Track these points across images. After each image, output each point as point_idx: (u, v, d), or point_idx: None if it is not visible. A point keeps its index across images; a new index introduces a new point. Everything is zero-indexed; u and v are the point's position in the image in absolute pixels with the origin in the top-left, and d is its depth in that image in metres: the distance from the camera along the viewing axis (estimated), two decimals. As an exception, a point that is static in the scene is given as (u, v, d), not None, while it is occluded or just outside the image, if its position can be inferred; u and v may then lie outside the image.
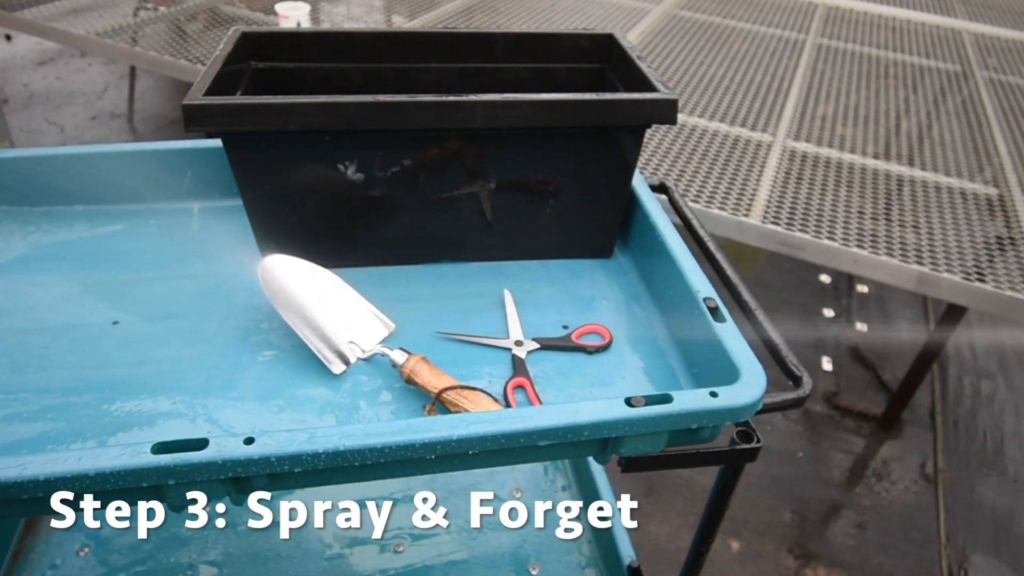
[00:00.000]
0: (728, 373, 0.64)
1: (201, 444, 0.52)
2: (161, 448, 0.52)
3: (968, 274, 1.49)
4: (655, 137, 1.91)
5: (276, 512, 1.17)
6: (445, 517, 1.18)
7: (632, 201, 0.89)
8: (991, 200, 1.80)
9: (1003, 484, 2.07)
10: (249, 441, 0.52)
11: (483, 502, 1.22)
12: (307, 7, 2.21)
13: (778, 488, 2.00)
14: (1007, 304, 1.46)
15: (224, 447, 0.52)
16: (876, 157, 1.94)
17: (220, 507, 1.15)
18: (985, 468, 2.11)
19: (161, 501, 0.55)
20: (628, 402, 0.58)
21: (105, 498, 0.54)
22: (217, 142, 0.87)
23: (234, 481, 0.55)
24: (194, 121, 0.68)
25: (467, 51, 0.93)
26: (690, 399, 0.59)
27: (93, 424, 0.64)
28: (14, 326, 0.75)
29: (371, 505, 1.19)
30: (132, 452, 0.51)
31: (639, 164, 0.86)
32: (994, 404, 2.34)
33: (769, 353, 0.74)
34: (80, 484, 0.50)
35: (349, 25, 2.52)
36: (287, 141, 0.74)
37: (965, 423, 2.26)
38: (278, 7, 2.20)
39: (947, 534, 1.90)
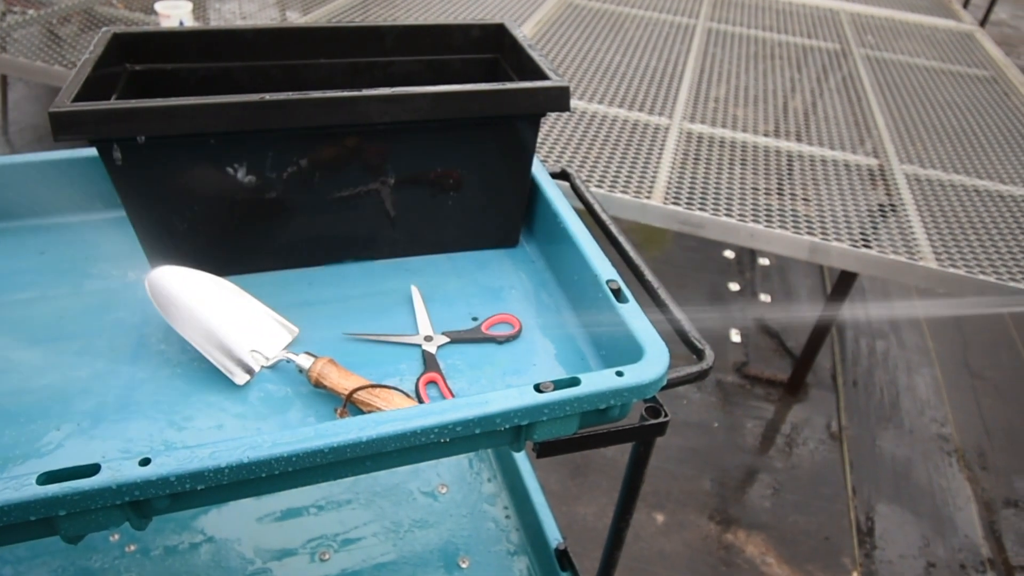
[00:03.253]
0: (633, 352, 0.65)
1: (93, 470, 0.49)
2: (48, 478, 0.49)
3: (855, 241, 1.59)
4: (557, 125, 1.93)
5: (192, 532, 1.13)
6: (371, 520, 1.18)
7: (534, 189, 0.89)
8: (872, 170, 1.92)
9: (901, 436, 2.22)
10: (145, 462, 0.50)
11: (408, 500, 1.21)
12: (189, 6, 2.11)
13: (697, 459, 2.07)
14: (892, 267, 1.56)
15: (118, 471, 0.49)
16: (767, 135, 2.04)
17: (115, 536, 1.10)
18: (884, 422, 2.26)
19: (54, 534, 0.51)
20: (537, 388, 0.59)
21: (-10, 537, 0.50)
22: (93, 150, 0.83)
23: (132, 505, 0.52)
24: (63, 129, 0.64)
25: (357, 46, 0.91)
26: (597, 380, 0.60)
27: (-27, 460, 0.59)
28: None
29: (293, 515, 1.16)
30: (16, 485, 0.48)
31: (539, 152, 0.87)
32: (888, 362, 2.51)
33: (673, 330, 0.76)
34: (-42, 525, 0.47)
35: (241, 23, 2.43)
36: (169, 146, 0.70)
37: (864, 381, 2.41)
38: (158, 6, 2.10)
39: (853, 487, 2.03)
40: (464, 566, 1.12)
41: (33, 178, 0.87)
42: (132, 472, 0.49)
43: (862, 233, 1.62)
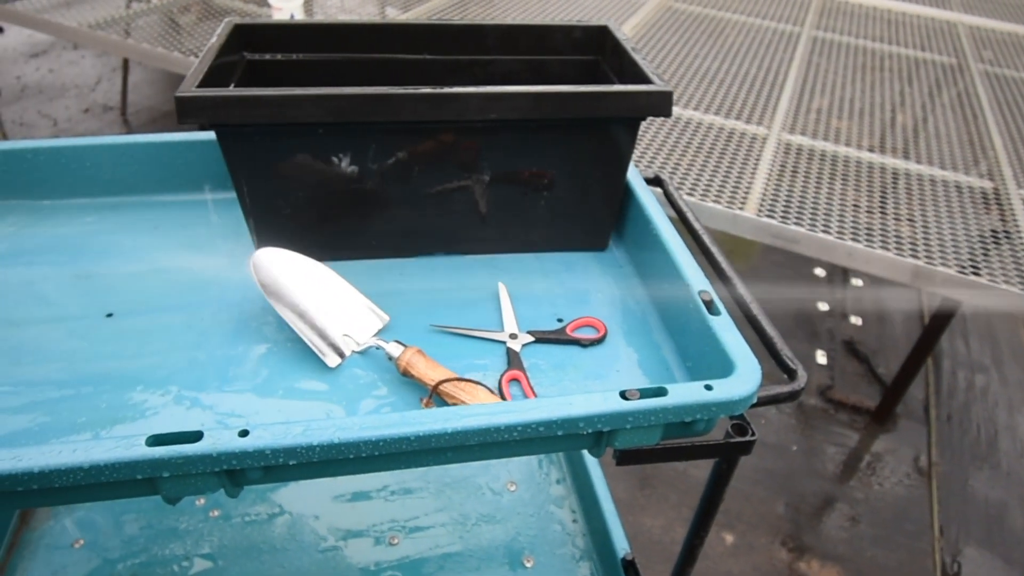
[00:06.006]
0: (723, 366, 0.64)
1: (196, 436, 0.52)
2: (156, 440, 0.52)
3: (963, 267, 1.50)
4: (650, 130, 1.90)
5: (271, 504, 1.18)
6: (440, 510, 1.19)
7: (627, 194, 0.89)
8: (986, 193, 1.80)
9: (996, 477, 2.08)
10: (244, 434, 0.52)
11: (476, 494, 1.22)
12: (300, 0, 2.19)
13: (772, 481, 2.01)
14: (1001, 297, 1.47)
15: (219, 440, 0.52)
16: (871, 150, 1.95)
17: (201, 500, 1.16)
18: (978, 461, 2.12)
19: (155, 494, 0.55)
20: (623, 395, 0.58)
21: (99, 491, 0.54)
22: (210, 134, 0.87)
23: (228, 473, 0.54)
24: (187, 113, 0.68)
25: (460, 43, 0.93)
26: (685, 392, 0.59)
27: (87, 417, 0.64)
28: (7, 318, 0.74)
29: (366, 498, 1.20)
30: (127, 445, 0.51)
31: (633, 157, 0.86)
32: (988, 398, 2.35)
33: (764, 346, 0.74)
34: (75, 476, 0.50)
35: (343, 17, 2.51)
36: (281, 133, 0.73)
37: (959, 417, 2.27)
38: (272, -1, 2.18)
39: (940, 526, 1.92)
40: (528, 565, 1.12)
41: (152, 157, 0.92)
42: (231, 442, 0.52)
43: (971, 259, 1.52)
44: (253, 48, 0.88)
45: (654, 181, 0.98)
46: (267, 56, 0.89)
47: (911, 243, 1.55)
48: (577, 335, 0.76)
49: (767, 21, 2.82)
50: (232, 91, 0.70)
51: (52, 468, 0.50)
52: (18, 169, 0.89)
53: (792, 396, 0.68)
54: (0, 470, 0.50)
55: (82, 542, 1.09)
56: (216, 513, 1.14)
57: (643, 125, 0.81)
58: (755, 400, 0.62)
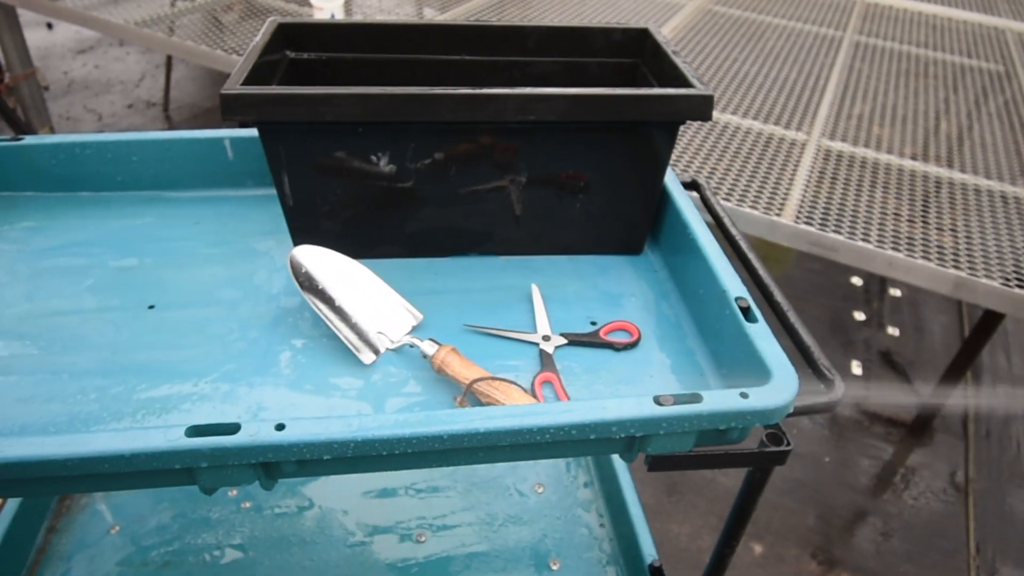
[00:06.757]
0: (759, 374, 0.63)
1: (233, 428, 0.53)
2: (195, 431, 0.53)
3: (1007, 279, 1.46)
4: (687, 134, 1.89)
5: (301, 498, 1.19)
6: (467, 509, 1.20)
7: (663, 198, 0.88)
8: (1032, 204, 1.75)
9: (1036, 495, 2.02)
10: (280, 427, 0.53)
11: (504, 495, 1.22)
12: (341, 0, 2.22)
13: (803, 492, 1.97)
14: (1046, 311, 1.42)
15: (256, 432, 0.53)
16: (913, 158, 1.91)
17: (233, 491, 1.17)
18: (1018, 479, 2.06)
19: (193, 484, 0.56)
20: (657, 400, 0.58)
21: (139, 479, 0.55)
22: (252, 132, 0.89)
23: (264, 466, 0.55)
24: (231, 110, 0.69)
25: (499, 44, 0.93)
26: (720, 399, 0.59)
27: (126, 406, 0.65)
28: (51, 309, 0.76)
29: (395, 495, 1.20)
30: (167, 434, 0.52)
31: (670, 160, 0.85)
32: (1029, 413, 2.29)
33: (801, 355, 0.73)
34: (117, 464, 0.51)
35: (381, 17, 2.53)
36: (321, 132, 0.74)
37: (998, 433, 2.21)
38: (312, -2, 2.21)
39: (977, 544, 1.87)
40: (555, 568, 1.12)
41: (195, 153, 0.94)
42: (268, 435, 0.52)
43: (1016, 271, 1.48)
44: (295, 47, 0.89)
45: (691, 185, 0.97)
46: (309, 55, 0.90)
47: (953, 253, 1.52)
48: (610, 339, 0.76)
49: (808, 25, 2.78)
50: (276, 89, 0.71)
51: (96, 455, 0.51)
52: (65, 162, 0.92)
53: (829, 407, 0.66)
54: (46, 455, 0.51)
55: (118, 528, 1.11)
56: (247, 504, 1.16)
57: (680, 129, 0.81)
58: (791, 410, 0.61)
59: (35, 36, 4.31)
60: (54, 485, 0.54)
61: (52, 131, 3.22)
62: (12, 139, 0.90)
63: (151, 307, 0.77)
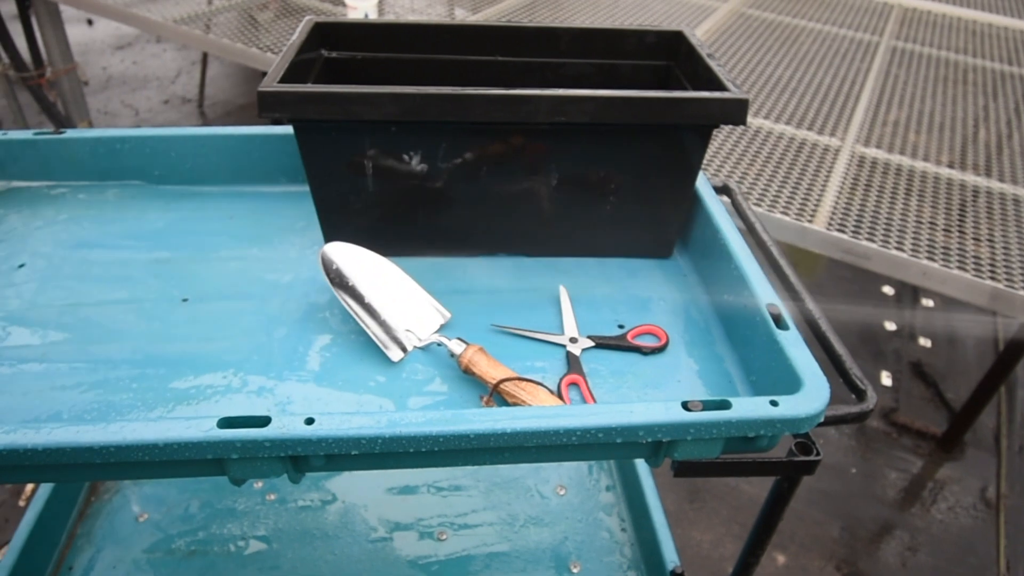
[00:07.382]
0: (789, 382, 0.62)
1: (264, 421, 0.54)
2: (226, 423, 0.53)
3: (1045, 292, 1.42)
4: (718, 137, 1.87)
5: (325, 492, 1.20)
6: (488, 509, 1.20)
7: (695, 202, 0.87)
8: (1073, 216, 1.71)
9: (1070, 514, 1.97)
10: (310, 421, 0.54)
11: (525, 496, 1.22)
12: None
13: (828, 503, 1.95)
14: (1086, 326, 1.39)
15: (286, 426, 0.53)
16: (950, 166, 1.87)
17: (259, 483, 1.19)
18: (1051, 496, 2.01)
19: (223, 474, 0.56)
20: (685, 406, 0.57)
21: (170, 468, 0.56)
22: (286, 129, 0.90)
23: (292, 459, 0.56)
24: (268, 107, 0.70)
25: (532, 45, 0.93)
26: (749, 407, 0.58)
27: (157, 396, 0.66)
28: (88, 299, 0.78)
29: (417, 492, 1.21)
30: (200, 425, 0.53)
31: (702, 164, 0.84)
32: (1064, 430, 2.23)
33: (832, 364, 0.72)
34: (150, 452, 0.52)
35: (414, 17, 2.54)
36: (355, 130, 0.75)
37: (1032, 448, 2.16)
38: (347, -2, 2.23)
39: (1008, 562, 1.82)
40: (575, 571, 1.11)
41: (231, 149, 0.96)
42: (298, 429, 0.53)
43: (1055, 284, 1.44)
44: (330, 46, 0.90)
45: (723, 190, 0.97)
46: (344, 54, 0.91)
47: (990, 264, 1.49)
48: (638, 342, 0.75)
49: (844, 30, 2.74)
50: (312, 87, 0.72)
51: (130, 443, 0.52)
52: (103, 156, 0.94)
53: (860, 417, 0.66)
54: (81, 442, 0.52)
55: (146, 516, 1.13)
56: (272, 497, 1.17)
57: (712, 133, 0.80)
58: (822, 419, 0.60)
59: (76, 32, 4.41)
60: (88, 471, 0.55)
61: (91, 125, 3.29)
62: (54, 132, 0.92)
63: (184, 300, 0.78)
